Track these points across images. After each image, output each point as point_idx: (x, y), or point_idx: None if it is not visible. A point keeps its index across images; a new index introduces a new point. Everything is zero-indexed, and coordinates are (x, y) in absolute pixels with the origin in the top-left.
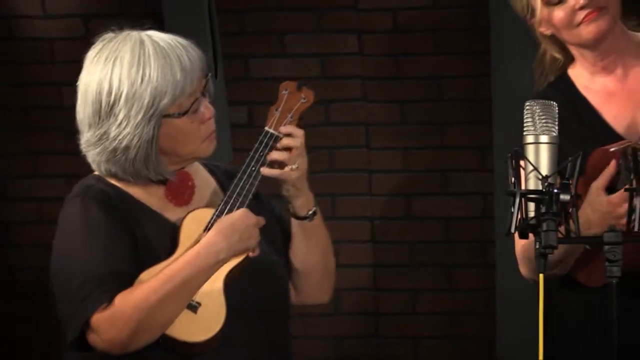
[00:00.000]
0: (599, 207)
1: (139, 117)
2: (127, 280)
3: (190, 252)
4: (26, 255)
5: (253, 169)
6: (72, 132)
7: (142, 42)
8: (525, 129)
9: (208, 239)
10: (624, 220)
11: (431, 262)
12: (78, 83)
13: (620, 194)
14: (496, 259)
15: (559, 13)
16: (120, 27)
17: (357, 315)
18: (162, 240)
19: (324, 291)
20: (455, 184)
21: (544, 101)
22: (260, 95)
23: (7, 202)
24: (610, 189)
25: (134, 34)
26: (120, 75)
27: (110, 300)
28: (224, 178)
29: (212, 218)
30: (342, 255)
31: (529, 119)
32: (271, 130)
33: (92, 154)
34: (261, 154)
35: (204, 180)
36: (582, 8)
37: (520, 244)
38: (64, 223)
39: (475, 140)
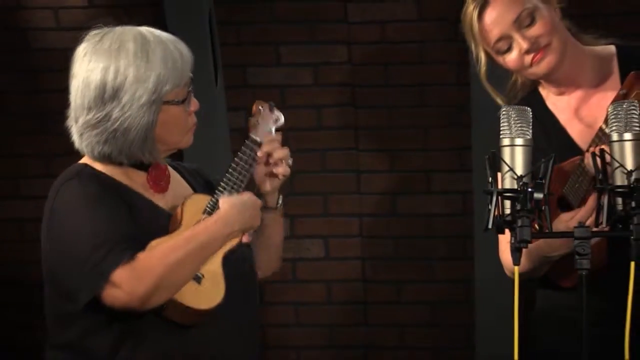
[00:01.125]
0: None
1: (142, 100)
2: (142, 244)
3: (208, 220)
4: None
5: (243, 166)
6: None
7: (142, 34)
8: (501, 132)
9: (225, 211)
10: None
11: (415, 256)
12: (73, 72)
13: (582, 212)
14: (475, 253)
15: (510, 59)
16: (106, 25)
17: (347, 304)
18: (156, 221)
19: (276, 266)
20: (437, 184)
21: (519, 106)
22: None
23: (23, 200)
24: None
25: (131, 27)
26: (126, 62)
27: (131, 257)
28: (188, 173)
29: (210, 201)
30: (333, 248)
31: (505, 123)
32: (257, 139)
33: (89, 136)
34: (249, 154)
35: (172, 173)
36: (527, 52)
37: (504, 245)
38: (64, 205)
39: (456, 143)
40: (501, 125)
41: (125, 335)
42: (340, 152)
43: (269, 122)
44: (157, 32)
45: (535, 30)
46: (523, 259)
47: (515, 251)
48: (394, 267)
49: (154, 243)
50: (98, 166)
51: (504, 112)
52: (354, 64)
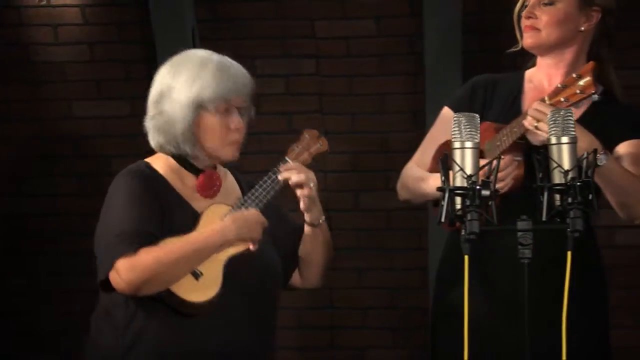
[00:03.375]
0: None
1: (187, 101)
2: (152, 240)
3: (208, 229)
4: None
5: (269, 185)
6: (81, 138)
7: (208, 53)
8: (452, 136)
9: (224, 223)
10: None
11: (375, 246)
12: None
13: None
14: (429, 243)
15: (523, 18)
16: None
17: (315, 289)
18: (184, 222)
19: (320, 279)
20: (395, 182)
21: (468, 113)
22: None
23: (24, 198)
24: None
25: (206, 51)
26: (182, 69)
27: (134, 251)
28: (246, 186)
29: (228, 212)
30: None
31: (456, 128)
32: (289, 160)
33: (150, 126)
34: (273, 179)
35: (231, 184)
36: (527, 18)
37: (410, 173)
38: (111, 193)
39: (413, 145)
40: (452, 130)
41: (138, 310)
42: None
43: (309, 148)
44: (225, 58)
45: (543, 11)
46: (405, 193)
47: (465, 242)
48: (356, 256)
49: (162, 243)
50: (157, 165)
51: (455, 119)
52: (321, 75)
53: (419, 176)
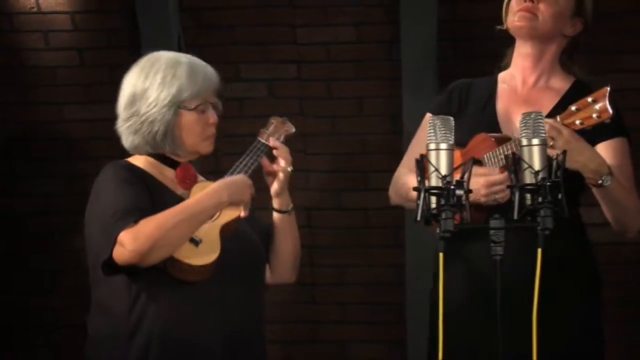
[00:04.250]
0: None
1: (166, 101)
2: (146, 214)
3: (200, 193)
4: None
5: (249, 161)
6: (71, 140)
7: (178, 54)
8: (428, 138)
9: (214, 186)
10: (483, 200)
11: (355, 244)
12: (123, 80)
13: (487, 180)
14: (406, 241)
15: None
16: (141, 55)
17: (297, 285)
18: (170, 204)
19: (293, 273)
20: (373, 182)
21: (443, 116)
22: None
23: (16, 198)
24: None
25: (173, 52)
26: (156, 71)
27: (135, 222)
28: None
29: None
30: None
31: (432, 130)
32: (263, 140)
33: (124, 128)
34: (255, 153)
35: (204, 182)
36: (526, 1)
37: (401, 180)
38: (98, 183)
39: (390, 147)
40: (428, 132)
41: (139, 296)
42: (291, 155)
43: (279, 131)
44: (192, 57)
45: (544, 1)
46: (397, 199)
47: (441, 239)
48: (337, 254)
49: (159, 213)
50: (138, 162)
51: (430, 121)
52: (303, 79)
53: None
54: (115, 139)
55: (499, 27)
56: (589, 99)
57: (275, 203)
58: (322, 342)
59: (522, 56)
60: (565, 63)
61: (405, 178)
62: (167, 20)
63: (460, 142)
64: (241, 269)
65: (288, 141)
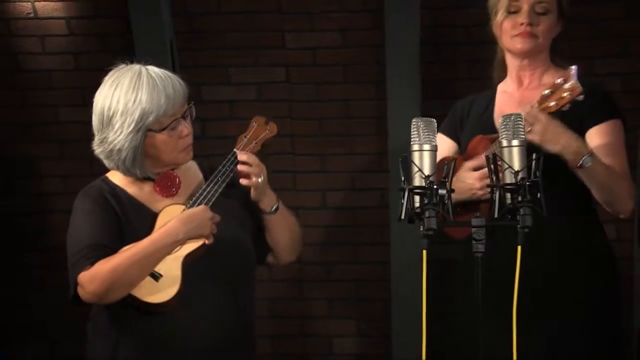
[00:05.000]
0: (464, 179)
1: (130, 128)
2: (107, 252)
3: (156, 233)
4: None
5: (219, 179)
6: (66, 141)
7: (140, 73)
8: (412, 139)
9: (170, 224)
10: (480, 192)
11: (342, 241)
12: (94, 98)
13: (480, 173)
14: (390, 239)
15: (508, 21)
16: (131, 62)
17: (286, 281)
18: (143, 225)
19: (292, 255)
20: (359, 182)
21: (426, 118)
22: (211, 114)
23: (13, 197)
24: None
25: (136, 67)
26: (119, 96)
27: (91, 265)
28: (208, 171)
29: (182, 211)
30: None
31: (415, 132)
32: (237, 152)
33: (98, 152)
34: (227, 168)
35: (194, 175)
36: (522, 24)
37: None
38: (73, 210)
39: (375, 148)
40: (412, 133)
41: (115, 321)
42: (280, 156)
43: (259, 136)
44: (155, 72)
45: (540, 20)
46: None
47: (424, 237)
48: (324, 251)
49: (124, 249)
50: (115, 178)
51: (414, 123)
52: (291, 83)
53: None
54: None
55: (499, 54)
56: (559, 80)
57: (259, 205)
58: (310, 337)
59: (518, 67)
60: (554, 58)
61: None
62: (159, 25)
63: (465, 151)
64: (217, 282)
65: (277, 141)
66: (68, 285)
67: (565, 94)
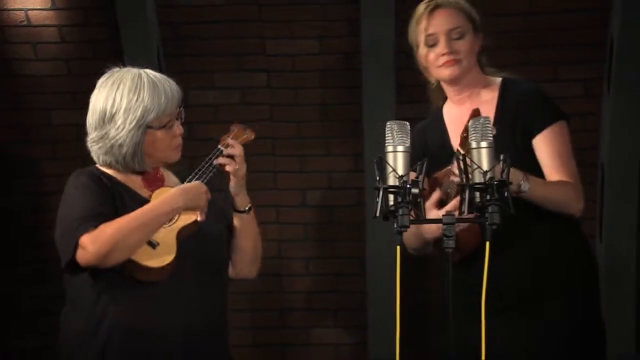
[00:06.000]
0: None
1: (132, 125)
2: (107, 219)
3: (157, 200)
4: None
5: (205, 169)
6: (59, 142)
7: (140, 75)
8: (386, 141)
9: (170, 193)
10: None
11: (320, 237)
12: (90, 99)
13: (449, 206)
14: (366, 235)
15: (430, 54)
16: (124, 65)
17: (266, 276)
18: (136, 206)
19: (252, 269)
20: (337, 181)
21: (399, 121)
22: (197, 117)
23: (8, 196)
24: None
25: (135, 70)
26: (121, 95)
27: (95, 227)
28: (184, 176)
29: None
30: None
31: (389, 134)
32: (221, 147)
33: (95, 148)
34: (213, 160)
35: (171, 178)
36: (443, 55)
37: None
38: (65, 189)
39: (352, 149)
40: (386, 136)
41: (101, 294)
42: (261, 157)
43: (238, 139)
44: (152, 73)
45: (458, 45)
46: (412, 239)
47: (397, 234)
48: (303, 247)
49: (125, 215)
50: (105, 170)
51: (388, 126)
52: (272, 87)
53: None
54: None
55: (431, 86)
56: (465, 131)
57: (234, 202)
58: (290, 328)
59: (455, 92)
60: (484, 70)
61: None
62: (147, 33)
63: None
64: (199, 265)
65: (258, 143)
66: (61, 278)
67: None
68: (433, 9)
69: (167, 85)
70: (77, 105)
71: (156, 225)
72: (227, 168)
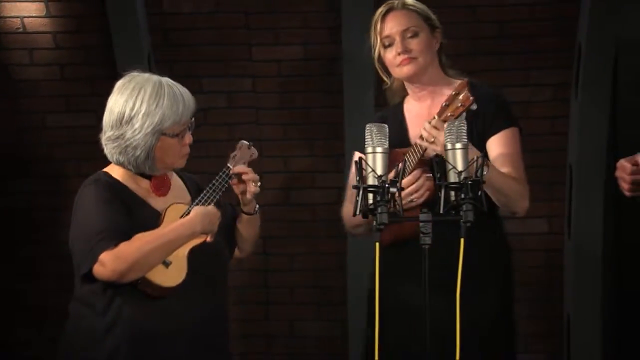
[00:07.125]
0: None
1: (149, 129)
2: (126, 236)
3: (177, 222)
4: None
5: (216, 187)
6: (53, 145)
7: (160, 83)
8: (366, 142)
9: (190, 217)
10: (416, 195)
11: (303, 234)
12: (109, 100)
13: (407, 180)
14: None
15: (388, 55)
16: (143, 71)
17: (252, 271)
18: (147, 217)
19: (253, 247)
20: (319, 181)
21: (379, 124)
22: None
23: (4, 196)
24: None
25: (155, 77)
26: (142, 100)
27: (115, 245)
28: (189, 181)
29: (187, 209)
30: None
31: (369, 136)
32: (231, 167)
33: (110, 147)
34: (223, 179)
35: (176, 181)
36: (399, 54)
37: (346, 210)
38: (83, 200)
39: (333, 151)
40: (366, 137)
41: (115, 297)
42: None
43: (245, 157)
44: (172, 82)
45: (412, 44)
46: (355, 231)
47: (376, 231)
48: (287, 243)
49: (138, 236)
50: (115, 173)
51: (367, 128)
52: (257, 92)
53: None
54: (93, 143)
55: (385, 87)
56: (453, 92)
57: (245, 208)
58: (274, 321)
59: (415, 88)
60: (448, 72)
61: (346, 210)
62: (138, 40)
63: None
64: (206, 272)
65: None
66: (56, 274)
67: (459, 105)
68: (386, 13)
69: (185, 95)
70: (70, 109)
71: (174, 248)
72: (249, 193)
